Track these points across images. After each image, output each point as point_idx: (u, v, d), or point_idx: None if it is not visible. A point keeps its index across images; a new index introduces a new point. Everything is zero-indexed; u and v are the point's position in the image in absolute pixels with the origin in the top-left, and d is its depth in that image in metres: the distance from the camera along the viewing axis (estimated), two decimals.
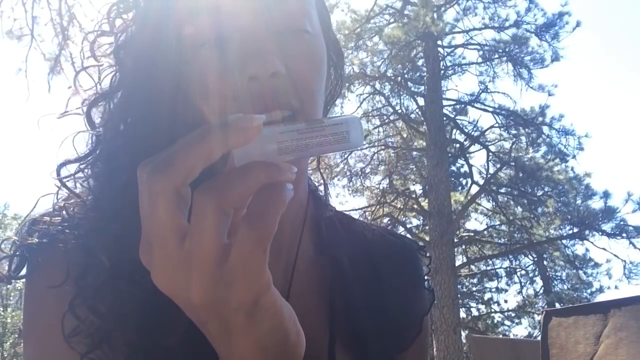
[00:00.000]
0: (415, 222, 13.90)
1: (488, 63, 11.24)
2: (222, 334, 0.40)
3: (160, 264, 0.37)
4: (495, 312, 15.41)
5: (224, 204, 0.36)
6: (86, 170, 0.61)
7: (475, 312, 15.73)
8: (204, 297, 0.37)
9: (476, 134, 11.31)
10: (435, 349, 9.12)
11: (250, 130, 0.37)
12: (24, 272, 0.58)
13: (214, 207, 0.36)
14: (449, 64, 11.59)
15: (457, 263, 11.43)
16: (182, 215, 0.37)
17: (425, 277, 0.77)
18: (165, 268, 0.37)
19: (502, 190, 11.87)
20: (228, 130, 0.36)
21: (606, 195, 11.30)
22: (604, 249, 11.06)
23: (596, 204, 11.37)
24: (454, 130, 11.39)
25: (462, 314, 14.12)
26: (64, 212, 0.59)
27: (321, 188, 0.79)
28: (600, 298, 13.23)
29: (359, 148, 0.48)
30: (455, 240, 11.01)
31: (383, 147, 12.08)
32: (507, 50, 10.83)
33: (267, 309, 0.39)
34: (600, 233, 11.00)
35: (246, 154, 0.39)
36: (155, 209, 0.36)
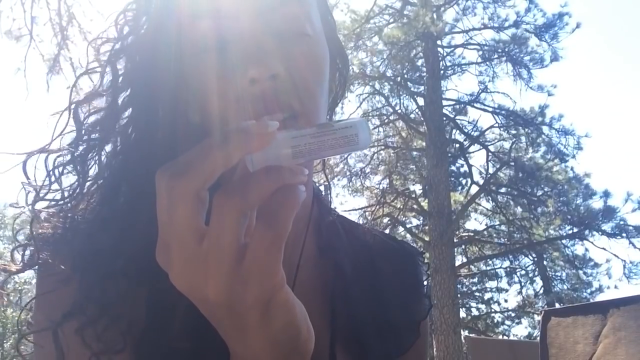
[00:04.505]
0: (415, 222, 13.90)
1: (487, 63, 11.25)
2: (237, 330, 0.41)
3: (179, 264, 0.39)
4: (495, 312, 15.41)
5: (243, 206, 0.38)
6: (85, 170, 0.61)
7: (475, 312, 15.74)
8: (221, 295, 0.39)
9: (476, 134, 11.32)
10: (435, 349, 9.12)
11: (267, 136, 0.39)
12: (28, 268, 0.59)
13: (233, 209, 0.38)
14: (448, 64, 11.60)
15: (457, 263, 11.42)
16: (200, 218, 0.38)
17: (425, 283, 0.77)
18: (184, 268, 0.39)
19: (502, 190, 11.86)
20: (246, 135, 0.38)
21: (606, 195, 11.32)
22: (603, 248, 11.08)
23: (596, 203, 11.40)
24: (454, 130, 11.39)
25: (462, 314, 14.13)
26: (70, 208, 0.60)
27: (322, 189, 0.80)
28: (600, 298, 13.23)
29: (366, 148, 0.50)
30: (455, 240, 11.01)
31: (383, 147, 12.08)
32: (506, 50, 10.83)
33: (281, 305, 0.41)
34: (600, 233, 11.01)
35: (261, 158, 0.40)
36: (175, 212, 0.38)
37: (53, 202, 0.60)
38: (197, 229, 0.38)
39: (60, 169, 0.61)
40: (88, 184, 0.61)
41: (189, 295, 0.40)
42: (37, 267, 0.58)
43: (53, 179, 0.60)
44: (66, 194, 0.61)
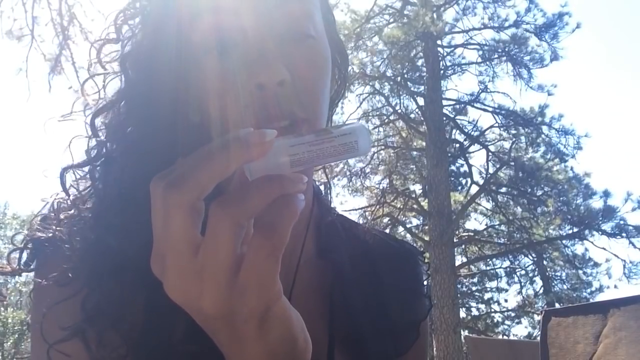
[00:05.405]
0: (415, 222, 13.91)
1: (488, 63, 11.25)
2: (233, 342, 0.41)
3: (173, 275, 0.38)
4: (495, 312, 15.42)
5: (240, 217, 0.37)
6: (90, 174, 0.61)
7: (475, 312, 15.74)
8: (217, 307, 0.38)
9: (476, 133, 11.32)
10: (435, 349, 9.12)
11: (264, 145, 0.38)
12: (30, 267, 0.59)
13: (230, 221, 0.37)
14: (448, 63, 11.60)
15: (457, 263, 11.43)
16: (196, 229, 0.37)
17: (424, 283, 0.77)
18: (178, 279, 0.38)
19: (502, 190, 11.87)
20: (242, 145, 0.37)
21: (606, 194, 11.32)
22: (603, 248, 11.09)
23: (596, 203, 11.40)
24: (454, 130, 11.40)
25: (462, 314, 14.14)
26: (71, 211, 0.59)
27: (322, 188, 0.80)
28: (600, 298, 13.23)
29: (366, 154, 0.49)
30: (455, 240, 11.01)
31: (383, 147, 12.07)
32: (506, 50, 10.83)
33: (278, 317, 0.40)
34: (600, 233, 11.01)
35: (259, 167, 0.39)
36: (170, 223, 0.37)
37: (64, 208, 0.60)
38: (192, 241, 0.37)
39: (77, 177, 0.61)
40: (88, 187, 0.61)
41: (184, 306, 0.39)
42: (35, 270, 0.58)
43: (73, 186, 0.60)
44: (72, 197, 0.60)
